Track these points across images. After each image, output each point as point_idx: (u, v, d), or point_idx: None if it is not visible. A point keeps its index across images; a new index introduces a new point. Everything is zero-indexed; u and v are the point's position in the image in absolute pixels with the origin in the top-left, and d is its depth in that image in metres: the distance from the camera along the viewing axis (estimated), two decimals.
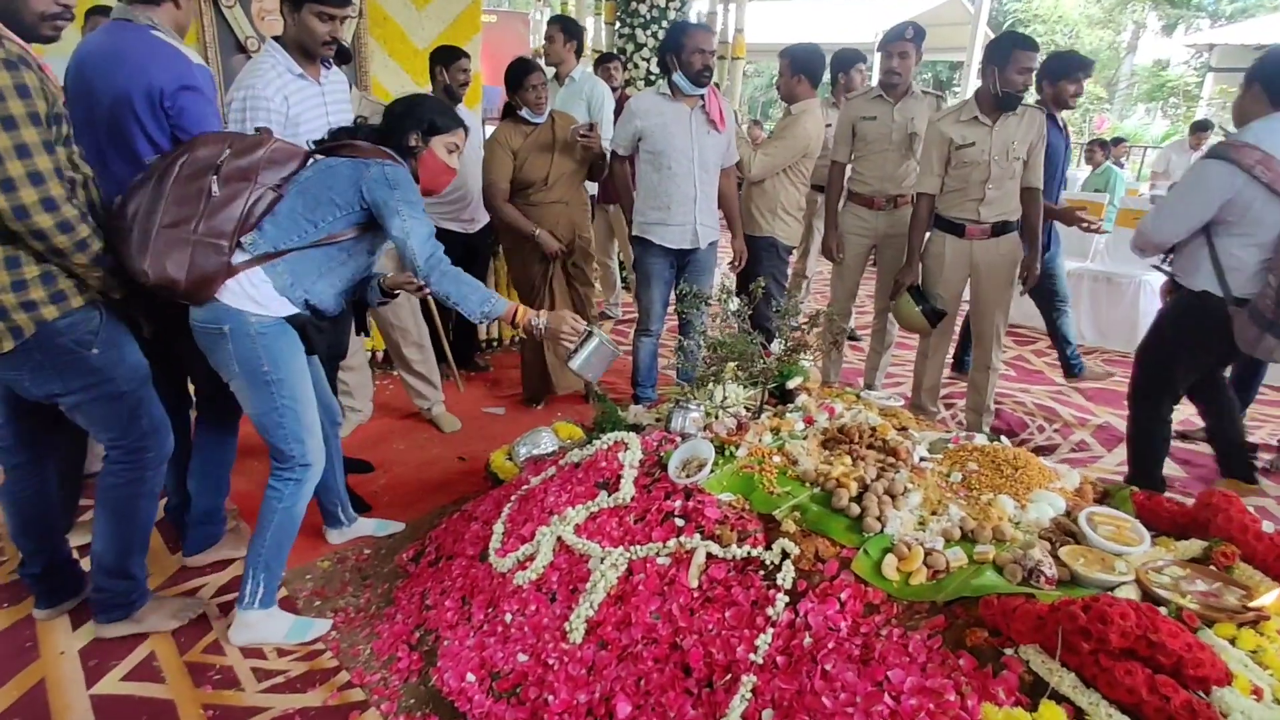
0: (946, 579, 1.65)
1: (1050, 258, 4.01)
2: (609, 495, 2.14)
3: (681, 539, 1.91)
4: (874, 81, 3.98)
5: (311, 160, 2.03)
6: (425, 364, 3.59)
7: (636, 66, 5.76)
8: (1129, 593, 1.52)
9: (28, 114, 1.62)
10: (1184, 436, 3.79)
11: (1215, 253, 2.48)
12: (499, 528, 2.28)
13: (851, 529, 1.82)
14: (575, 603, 1.91)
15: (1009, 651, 1.43)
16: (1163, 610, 1.41)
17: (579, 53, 4.57)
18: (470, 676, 1.88)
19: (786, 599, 1.70)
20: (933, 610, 1.58)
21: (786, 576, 1.73)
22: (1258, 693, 1.29)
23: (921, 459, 2.11)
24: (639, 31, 5.75)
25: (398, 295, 2.36)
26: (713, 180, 3.32)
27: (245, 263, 1.91)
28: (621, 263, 5.50)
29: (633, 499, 2.10)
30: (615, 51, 5.69)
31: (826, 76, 3.94)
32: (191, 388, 2.41)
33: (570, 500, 2.19)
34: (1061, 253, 4.19)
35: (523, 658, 1.86)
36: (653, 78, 5.69)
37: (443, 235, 2.07)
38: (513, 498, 2.39)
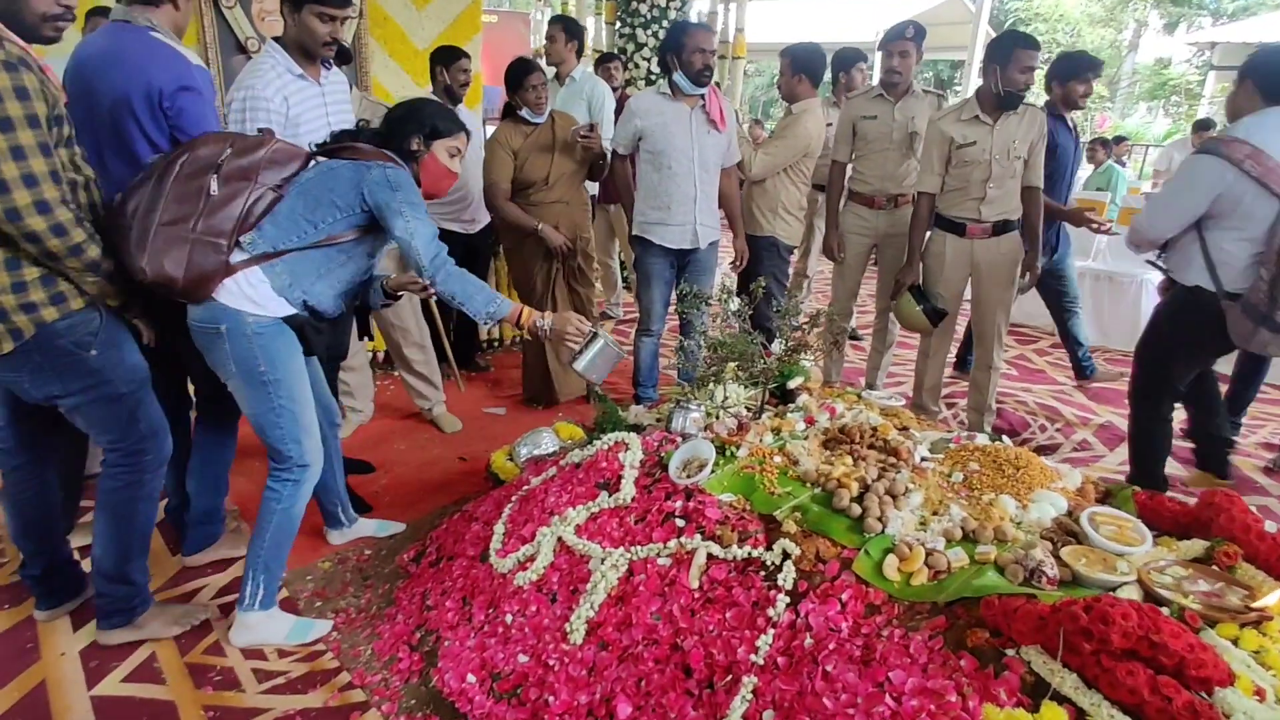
0: (948, 579, 1.64)
1: (1059, 259, 4.00)
2: (610, 496, 2.13)
3: (682, 539, 1.91)
4: (875, 81, 3.97)
5: (313, 162, 2.03)
6: (426, 364, 3.59)
7: (637, 66, 5.76)
8: (1131, 593, 1.51)
9: (25, 116, 1.61)
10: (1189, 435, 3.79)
11: (1206, 247, 2.49)
12: (500, 528, 2.27)
13: (852, 529, 1.82)
14: (576, 603, 1.91)
15: (1010, 652, 1.42)
16: (1165, 610, 1.40)
17: (580, 53, 4.57)
18: (471, 677, 1.88)
19: (787, 600, 1.69)
20: (934, 611, 1.58)
21: (787, 577, 1.73)
22: (1260, 693, 1.29)
23: (923, 459, 2.11)
24: (639, 31, 5.75)
25: (401, 297, 2.36)
26: (713, 180, 3.32)
27: (243, 262, 1.91)
28: (623, 262, 5.49)
29: (633, 499, 2.10)
30: (616, 51, 5.68)
31: (827, 76, 3.93)
32: (191, 388, 2.41)
33: (571, 501, 2.18)
34: (1071, 253, 4.17)
35: (523, 658, 1.86)
36: (653, 77, 5.69)
37: (443, 236, 2.08)
38: (513, 498, 2.39)
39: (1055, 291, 4.16)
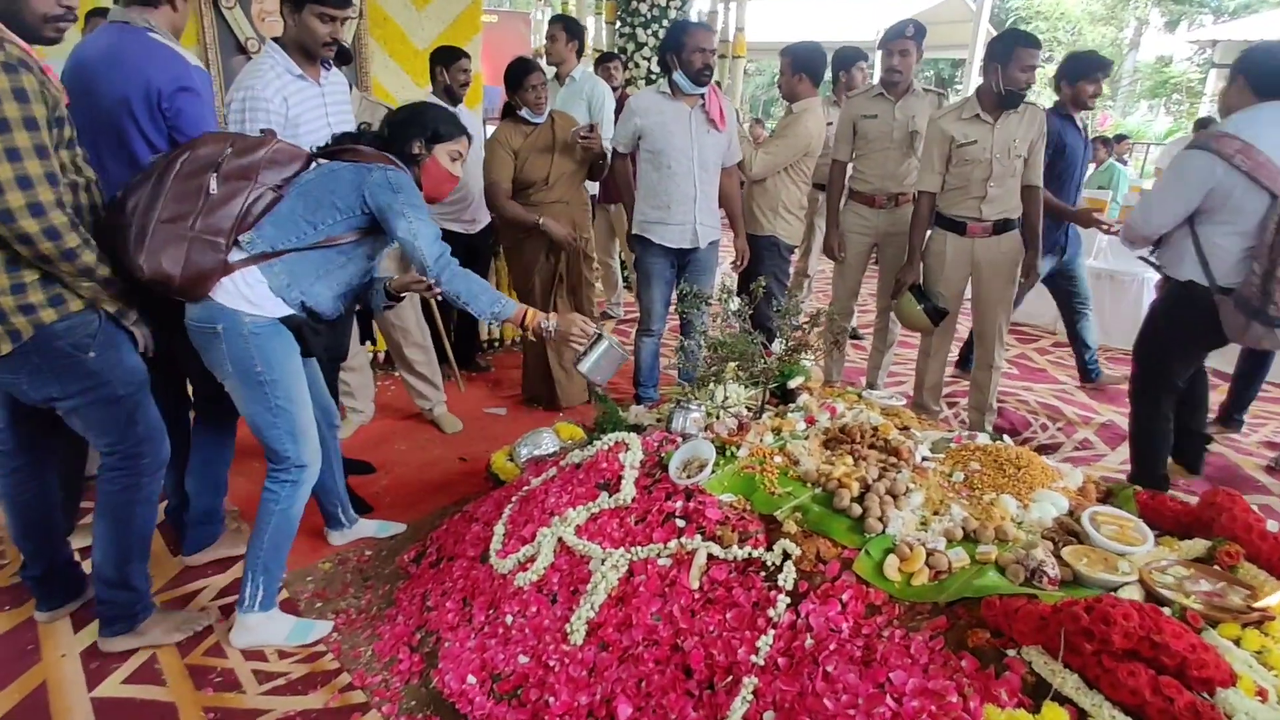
0: (949, 580, 1.64)
1: (1070, 259, 3.98)
2: (610, 496, 2.13)
3: (682, 540, 1.90)
4: (875, 80, 3.96)
5: (314, 164, 2.04)
6: (427, 365, 3.59)
7: (637, 66, 5.75)
8: (1132, 593, 1.51)
9: (22, 118, 1.60)
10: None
11: (1199, 242, 2.51)
12: (500, 529, 2.27)
13: (853, 529, 1.81)
14: (576, 604, 1.90)
15: (1011, 653, 1.42)
16: (1166, 610, 1.40)
17: (580, 52, 4.56)
18: (471, 678, 1.87)
19: (788, 600, 1.69)
20: (935, 611, 1.58)
21: (788, 577, 1.72)
22: (1262, 694, 1.28)
23: (924, 459, 2.11)
24: (640, 30, 5.74)
25: (404, 298, 2.36)
26: (713, 179, 3.31)
27: (241, 261, 1.91)
28: (623, 262, 5.49)
29: (634, 500, 2.09)
30: (616, 51, 5.68)
31: (828, 75, 3.92)
32: (190, 388, 2.41)
33: (571, 501, 2.18)
34: (1082, 254, 4.15)
35: (524, 659, 1.86)
36: (653, 77, 5.68)
37: (444, 236, 2.07)
38: (514, 499, 2.39)
39: (1066, 292, 4.14)
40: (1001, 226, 3.19)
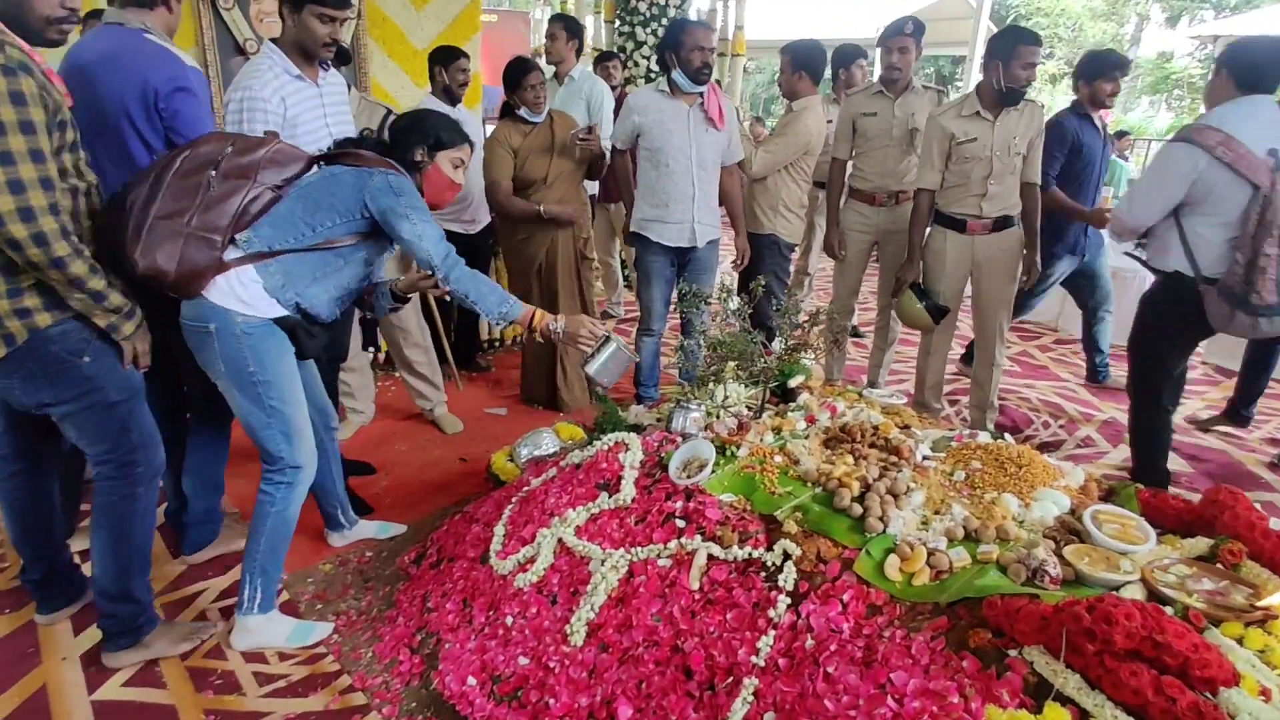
0: (950, 579, 1.63)
1: (1092, 259, 3.95)
2: (610, 496, 2.13)
3: (682, 540, 1.90)
4: (875, 77, 3.95)
5: (315, 167, 2.04)
6: (427, 365, 3.58)
7: (636, 65, 5.74)
8: (1135, 592, 1.50)
9: (18, 121, 1.58)
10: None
11: (1184, 233, 2.54)
12: (500, 530, 2.27)
13: (854, 529, 1.81)
14: (576, 605, 1.90)
15: (1013, 653, 1.41)
16: (1169, 610, 1.39)
17: (579, 51, 4.55)
18: (471, 680, 1.87)
19: (788, 600, 1.68)
20: (936, 611, 1.57)
21: (788, 578, 1.72)
22: (1265, 693, 1.27)
23: (924, 457, 2.10)
24: (639, 29, 5.73)
25: (410, 299, 2.36)
26: (712, 178, 3.30)
27: (237, 260, 1.91)
28: (624, 261, 5.48)
29: (633, 500, 2.09)
30: (615, 50, 5.67)
31: (828, 73, 3.91)
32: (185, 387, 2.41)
33: (571, 502, 2.18)
34: (1105, 253, 4.10)
35: (524, 661, 1.86)
36: (653, 75, 5.67)
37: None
38: (514, 499, 2.38)
39: (1086, 293, 4.11)
40: (1001, 224, 3.18)
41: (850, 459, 2.06)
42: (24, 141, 1.60)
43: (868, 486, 1.91)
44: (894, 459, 2.07)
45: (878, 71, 3.64)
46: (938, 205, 3.25)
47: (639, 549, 1.93)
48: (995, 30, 3.81)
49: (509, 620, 1.97)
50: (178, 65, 2.04)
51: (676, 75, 3.12)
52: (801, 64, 3.47)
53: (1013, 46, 2.92)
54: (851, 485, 1.90)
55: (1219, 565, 1.60)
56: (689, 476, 2.05)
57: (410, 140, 2.09)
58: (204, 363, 1.98)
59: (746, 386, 2.51)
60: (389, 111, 3.30)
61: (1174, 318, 2.69)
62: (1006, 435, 2.30)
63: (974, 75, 9.29)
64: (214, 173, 1.87)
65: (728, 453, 2.16)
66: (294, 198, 1.97)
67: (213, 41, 3.57)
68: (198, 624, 2.23)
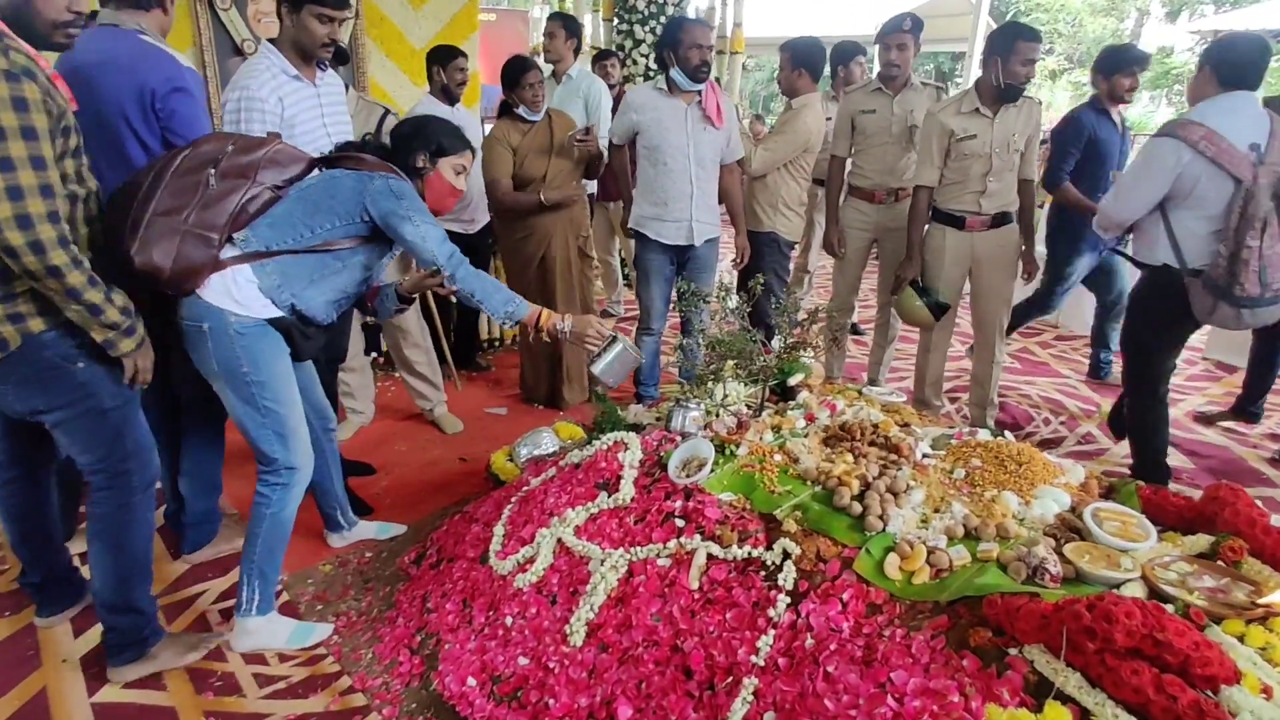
0: (950, 578, 1.63)
1: (1109, 256, 3.94)
2: (609, 496, 2.12)
3: (682, 540, 1.89)
4: (874, 74, 3.94)
5: (316, 169, 2.04)
6: (427, 365, 3.58)
7: (635, 63, 5.73)
8: (1135, 589, 1.50)
9: (19, 127, 1.56)
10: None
11: (1170, 226, 2.57)
12: (499, 530, 2.26)
13: (853, 528, 1.80)
14: (575, 605, 1.90)
15: (1013, 651, 1.41)
16: (1169, 607, 1.39)
17: (578, 50, 4.55)
18: (471, 680, 1.87)
19: (788, 600, 1.68)
20: (936, 610, 1.57)
21: (788, 577, 1.71)
22: (1267, 691, 1.27)
23: (924, 455, 2.09)
24: (637, 27, 5.72)
25: (414, 300, 2.36)
26: (710, 176, 3.30)
27: (234, 259, 1.90)
28: (624, 260, 5.48)
29: (633, 500, 2.08)
30: (613, 48, 5.66)
31: (827, 70, 3.90)
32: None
33: (570, 501, 2.17)
34: (1124, 249, 4.09)
35: (523, 661, 1.85)
36: (651, 74, 5.66)
37: None
38: (513, 499, 2.38)
39: (1103, 288, 4.09)
40: (1000, 220, 3.17)
41: (850, 457, 2.06)
42: (25, 147, 1.57)
43: (867, 485, 1.91)
44: (894, 457, 2.07)
45: (877, 68, 3.63)
46: (936, 202, 3.24)
47: (638, 548, 1.93)
48: (994, 26, 3.80)
49: (509, 620, 1.97)
50: (174, 66, 2.04)
51: (674, 73, 3.11)
52: (801, 61, 3.46)
53: (1012, 42, 2.91)
54: (851, 484, 1.89)
55: (1220, 562, 1.60)
56: (688, 475, 2.05)
57: (412, 146, 2.09)
58: (199, 362, 1.98)
59: (746, 385, 2.50)
60: (387, 111, 3.30)
61: (1161, 312, 2.70)
62: (1007, 432, 2.30)
63: (973, 72, 9.28)
64: (213, 171, 1.87)
65: (727, 451, 2.15)
66: (293, 199, 1.97)
67: (210, 42, 3.57)
68: (204, 635, 2.19)
